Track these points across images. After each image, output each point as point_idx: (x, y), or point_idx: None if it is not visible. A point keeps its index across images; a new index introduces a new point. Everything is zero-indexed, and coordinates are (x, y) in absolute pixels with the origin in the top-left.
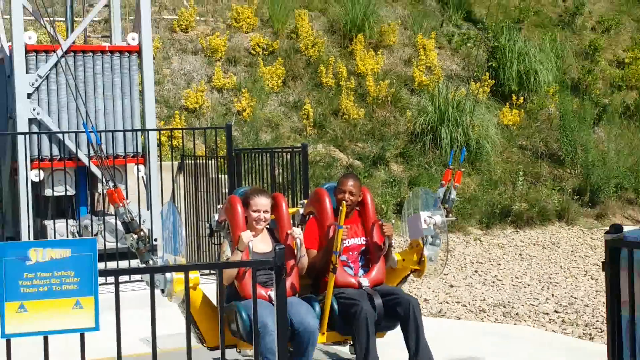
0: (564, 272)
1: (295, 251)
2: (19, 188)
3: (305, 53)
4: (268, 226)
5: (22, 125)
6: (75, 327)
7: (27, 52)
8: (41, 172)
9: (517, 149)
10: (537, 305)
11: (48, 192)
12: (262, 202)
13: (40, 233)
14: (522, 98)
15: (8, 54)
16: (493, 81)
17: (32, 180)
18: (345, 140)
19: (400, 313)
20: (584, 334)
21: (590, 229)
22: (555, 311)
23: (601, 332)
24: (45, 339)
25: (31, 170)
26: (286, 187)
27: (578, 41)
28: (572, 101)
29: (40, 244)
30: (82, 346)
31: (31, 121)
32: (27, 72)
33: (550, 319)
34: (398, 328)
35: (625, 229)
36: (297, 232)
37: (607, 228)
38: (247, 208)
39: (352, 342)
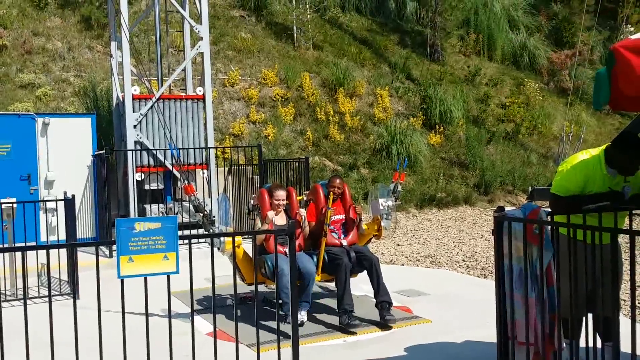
0: (469, 236)
1: (301, 223)
2: (128, 184)
3: (307, 99)
4: (284, 208)
5: (130, 145)
6: (164, 271)
7: (133, 99)
8: (142, 174)
9: (439, 159)
10: (451, 257)
11: (147, 187)
12: (280, 194)
13: (141, 213)
14: (442, 127)
15: (122, 100)
16: (424, 117)
17: (136, 179)
18: (332, 154)
19: (366, 265)
20: (481, 274)
21: (484, 209)
22: (463, 260)
23: (491, 273)
24: (145, 279)
25: (136, 173)
26: (295, 183)
27: (477, 92)
28: (473, 129)
29: (142, 220)
30: (168, 283)
31: (136, 142)
32: (133, 112)
33: (460, 265)
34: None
35: (507, 208)
36: (302, 211)
37: (495, 209)
38: (272, 197)
39: (336, 281)
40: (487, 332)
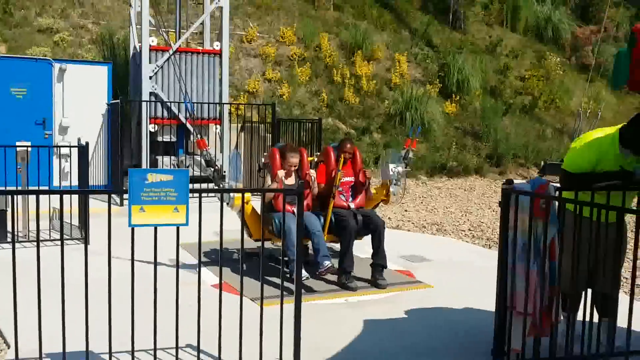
0: (477, 206)
1: (311, 184)
2: (141, 135)
3: (324, 60)
4: (295, 167)
5: (145, 96)
6: (174, 223)
7: (150, 50)
8: (156, 125)
9: (453, 129)
10: (458, 225)
11: (159, 138)
12: (293, 161)
13: (153, 164)
14: (458, 96)
15: (138, 50)
16: (441, 85)
17: (150, 131)
18: (346, 117)
19: (372, 228)
20: (486, 244)
21: (495, 180)
22: (469, 229)
23: (496, 244)
24: (155, 229)
25: (150, 124)
26: (307, 144)
27: (496, 62)
28: (490, 100)
29: (155, 171)
30: (177, 234)
31: (151, 94)
32: (149, 63)
33: (465, 234)
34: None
35: (518, 180)
36: (312, 172)
37: (505, 180)
38: (284, 159)
39: (341, 241)
40: (488, 300)
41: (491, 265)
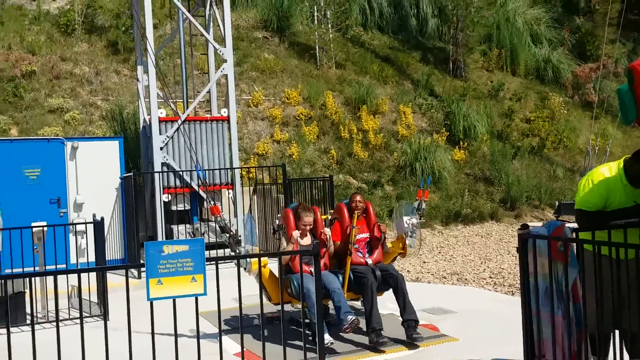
0: (495, 252)
1: (326, 242)
2: (155, 205)
3: (330, 118)
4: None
5: (157, 167)
6: (192, 293)
7: (159, 121)
8: (169, 195)
9: (464, 175)
10: (478, 273)
11: (173, 207)
12: (308, 220)
13: (169, 234)
14: (466, 143)
15: (148, 123)
16: (448, 133)
17: (163, 201)
18: (356, 172)
19: (392, 283)
20: (508, 291)
21: (511, 224)
22: (490, 277)
23: (519, 290)
24: (174, 301)
25: (163, 194)
26: (320, 202)
27: (500, 107)
28: (498, 144)
29: (170, 242)
30: (196, 305)
31: (163, 164)
32: (159, 134)
33: (487, 282)
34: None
35: (534, 223)
36: (327, 231)
37: (521, 225)
38: (298, 219)
39: (362, 299)
40: (515, 350)
41: (516, 313)
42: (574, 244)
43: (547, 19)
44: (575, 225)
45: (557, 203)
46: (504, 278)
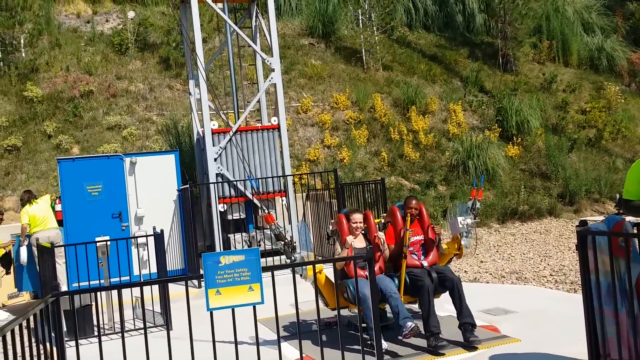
0: (555, 249)
1: (380, 246)
2: (212, 215)
3: (380, 120)
4: (363, 232)
5: (212, 177)
6: (249, 302)
7: (212, 133)
8: (225, 205)
9: (519, 171)
10: (538, 271)
11: (229, 217)
12: (357, 217)
13: (226, 242)
14: (520, 138)
15: (202, 135)
16: (500, 129)
17: (220, 210)
18: (408, 173)
19: (449, 286)
20: (570, 289)
21: (570, 220)
22: (551, 275)
23: (580, 287)
24: (233, 311)
25: (219, 204)
26: (372, 205)
27: (554, 99)
28: (553, 138)
29: (227, 253)
30: (255, 313)
31: (217, 175)
32: (213, 145)
33: (547, 280)
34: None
35: (594, 218)
36: (381, 234)
37: (579, 220)
38: (349, 221)
39: (419, 302)
40: (579, 350)
41: (578, 312)
42: (636, 239)
43: (598, 7)
44: (636, 219)
45: (617, 196)
46: (565, 275)
